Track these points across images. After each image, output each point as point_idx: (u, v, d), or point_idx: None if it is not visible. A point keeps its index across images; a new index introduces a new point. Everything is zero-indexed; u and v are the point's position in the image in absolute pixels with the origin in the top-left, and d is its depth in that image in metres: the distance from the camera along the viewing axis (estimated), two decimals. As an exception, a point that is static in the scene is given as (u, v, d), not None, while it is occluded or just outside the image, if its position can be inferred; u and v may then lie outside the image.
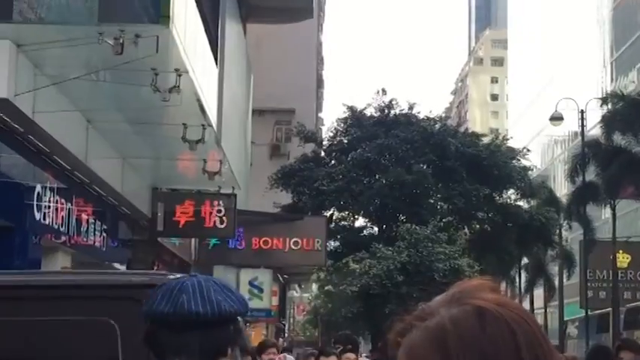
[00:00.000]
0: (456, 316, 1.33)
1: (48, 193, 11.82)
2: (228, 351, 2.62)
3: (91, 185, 13.74)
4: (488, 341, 1.30)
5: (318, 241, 27.76)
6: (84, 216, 13.55)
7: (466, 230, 41.53)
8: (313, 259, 29.13)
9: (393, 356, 1.39)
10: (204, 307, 2.51)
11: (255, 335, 34.04)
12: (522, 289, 52.47)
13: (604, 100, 39.22)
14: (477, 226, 41.09)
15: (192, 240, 22.87)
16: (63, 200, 12.40)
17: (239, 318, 2.67)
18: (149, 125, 12.82)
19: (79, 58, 10.06)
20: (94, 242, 14.32)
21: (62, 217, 12.42)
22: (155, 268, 19.19)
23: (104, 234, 14.77)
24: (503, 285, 49.43)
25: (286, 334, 52.36)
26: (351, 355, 9.08)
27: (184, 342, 2.52)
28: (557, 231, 43.30)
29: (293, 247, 27.19)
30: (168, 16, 9.23)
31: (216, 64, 14.60)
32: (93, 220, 14.05)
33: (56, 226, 12.20)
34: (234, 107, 18.56)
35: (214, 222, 17.61)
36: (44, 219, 11.66)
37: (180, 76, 10.05)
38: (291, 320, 66.96)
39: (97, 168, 13.27)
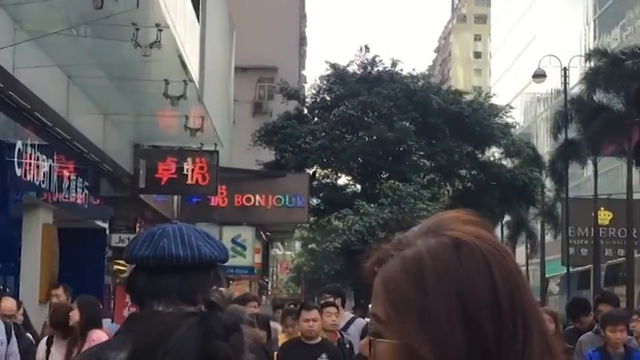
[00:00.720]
0: (433, 247, 1.32)
1: (29, 149, 11.76)
2: (207, 296, 2.61)
3: (72, 142, 13.67)
4: (464, 273, 1.29)
5: (300, 199, 27.78)
6: (65, 173, 13.50)
7: (449, 188, 41.67)
8: (296, 216, 29.15)
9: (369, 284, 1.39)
10: (184, 251, 2.51)
11: (239, 292, 34.18)
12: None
13: (587, 57, 39.18)
14: (460, 183, 41.21)
15: (175, 197, 22.85)
16: (44, 157, 12.34)
17: (219, 265, 2.67)
18: (130, 81, 12.75)
19: (58, 12, 9.97)
20: (76, 199, 14.28)
21: (43, 173, 12.37)
22: (137, 225, 19.19)
23: (86, 191, 14.73)
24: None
25: (269, 292, 52.54)
26: (332, 309, 9.11)
27: (163, 286, 2.51)
28: (540, 189, 43.46)
29: (276, 204, 27.21)
30: (149, -29, 9.16)
31: (198, 20, 14.50)
32: (74, 177, 14.00)
33: (37, 183, 12.16)
34: (216, 64, 18.47)
35: (196, 179, 17.58)
36: (25, 176, 11.61)
37: (161, 31, 9.98)
38: (274, 278, 67.18)
39: (78, 124, 13.20)
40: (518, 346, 1.30)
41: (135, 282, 2.61)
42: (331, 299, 9.80)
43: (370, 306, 1.39)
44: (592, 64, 37.81)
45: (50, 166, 12.65)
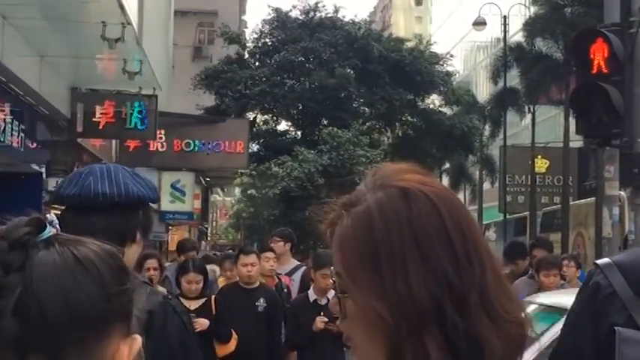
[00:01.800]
0: (382, 199, 1.36)
1: (-38, 91, 11.55)
2: (137, 236, 2.56)
3: (7, 84, 13.43)
4: (414, 217, 1.33)
5: (240, 144, 27.69)
6: (0, 115, 13.29)
7: (389, 134, 41.84)
8: (236, 162, 29.07)
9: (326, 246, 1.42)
10: (110, 188, 2.46)
11: (178, 238, 34.11)
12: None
13: (532, 2, 39.33)
14: (399, 130, 41.39)
15: (113, 141, 22.64)
16: (-22, 99, 12.13)
17: (149, 205, 2.63)
18: (67, 22, 12.52)
19: (-8, -50, 9.74)
20: (12, 143, 14.07)
21: (-23, 116, 12.17)
22: (75, 169, 18.99)
23: (22, 134, 14.51)
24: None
25: (209, 238, 52.53)
26: (270, 254, 9.14)
27: (89, 224, 2.45)
28: (479, 137, 43.84)
29: (215, 149, 27.10)
30: None
31: (137, -39, 14.28)
32: (10, 120, 13.77)
33: (-29, 126, 11.97)
34: (156, 7, 18.24)
35: (135, 123, 17.43)
36: (-41, 118, 11.42)
37: (98, -29, 9.81)
38: (214, 224, 67.15)
39: (13, 66, 12.96)
40: (476, 278, 1.33)
41: (62, 223, 2.57)
42: (281, 243, 9.84)
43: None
44: (532, 11, 38.01)
45: (-15, 108, 12.45)
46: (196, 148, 26.75)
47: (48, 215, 2.72)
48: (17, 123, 14.13)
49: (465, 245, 1.34)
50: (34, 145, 15.66)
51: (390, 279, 1.31)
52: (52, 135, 16.99)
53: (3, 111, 13.40)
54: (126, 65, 14.65)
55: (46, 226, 1.30)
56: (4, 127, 13.51)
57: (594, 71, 10.40)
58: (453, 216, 1.35)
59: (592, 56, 10.38)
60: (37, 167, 16.07)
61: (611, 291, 1.77)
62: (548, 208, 37.20)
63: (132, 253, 2.56)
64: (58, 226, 2.56)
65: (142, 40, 14.29)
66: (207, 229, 50.33)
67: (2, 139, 13.41)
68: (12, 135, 13.97)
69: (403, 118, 40.31)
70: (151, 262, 9.36)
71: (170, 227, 33.25)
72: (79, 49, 14.43)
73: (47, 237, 1.29)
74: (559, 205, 35.39)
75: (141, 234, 2.59)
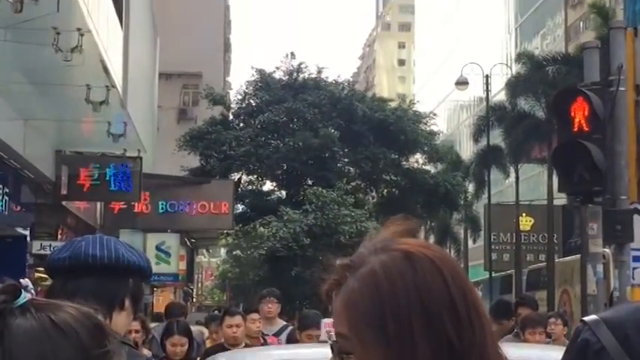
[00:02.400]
0: (386, 261, 1.40)
1: (-53, 155, 11.55)
2: (125, 303, 2.56)
3: (-9, 148, 13.46)
4: (420, 280, 1.37)
5: (225, 205, 27.69)
6: (-16, 179, 13.29)
7: (374, 194, 41.90)
8: (221, 223, 29.04)
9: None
10: (101, 251, 2.46)
11: (164, 300, 33.91)
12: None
13: (518, 58, 39.67)
14: (384, 189, 41.46)
15: (98, 204, 22.60)
16: (-38, 163, 12.13)
17: (141, 277, 2.61)
18: (52, 86, 12.57)
19: (-24, 16, 9.81)
20: (-4, 206, 14.05)
21: (-38, 180, 12.16)
22: (59, 232, 18.95)
23: (6, 197, 14.49)
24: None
25: (194, 299, 52.26)
26: (255, 316, 9.10)
27: (78, 287, 2.45)
28: (463, 195, 43.96)
29: (200, 210, 27.08)
30: (70, -25, 9.06)
31: (121, 25, 14.39)
32: (-6, 184, 13.78)
33: (-44, 190, 11.95)
34: (140, 70, 18.34)
35: (120, 185, 17.43)
36: (-57, 182, 11.40)
37: (82, 35, 9.88)
38: (199, 285, 66.81)
39: (-3, 130, 13.00)
40: (477, 338, 1.38)
41: (52, 287, 2.57)
42: (277, 304, 9.80)
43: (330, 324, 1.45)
44: (514, 70, 38.38)
45: (-31, 172, 12.44)
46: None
47: (22, 280, 2.72)
48: (1, 186, 14.12)
49: (466, 307, 1.38)
50: (19, 208, 15.63)
51: (396, 340, 1.35)
52: (36, 198, 16.96)
53: (-13, 175, 13.39)
54: (110, 128, 14.68)
55: (21, 292, 1.31)
56: (-11, 191, 13.50)
57: (575, 129, 10.49)
58: (455, 279, 1.40)
59: (573, 115, 10.48)
60: (21, 230, 16.03)
61: (600, 347, 1.80)
62: (534, 265, 37.21)
63: (121, 320, 2.55)
64: (33, 291, 2.57)
65: (127, 102, 14.35)
66: (192, 290, 50.08)
67: (-14, 203, 13.38)
68: (-4, 198, 13.95)
69: (387, 178, 40.43)
70: (134, 325, 9.28)
71: (155, 289, 33.08)
72: (63, 112, 14.47)
73: (23, 303, 1.29)
74: (544, 263, 35.41)
75: (130, 302, 2.57)
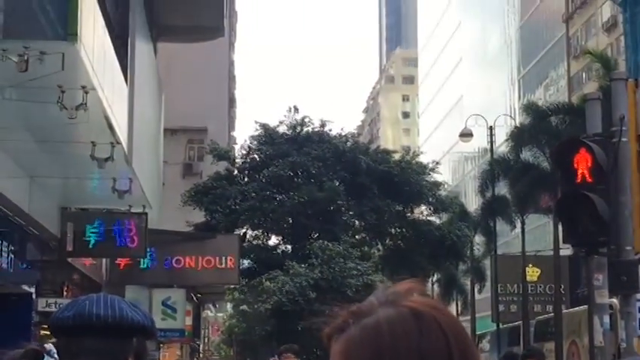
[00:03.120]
0: (393, 316, 1.38)
1: (-48, 213, 11.58)
2: None
3: (-4, 205, 13.50)
4: (424, 341, 1.36)
5: (231, 260, 27.64)
6: (-10, 237, 13.30)
7: (379, 246, 41.81)
8: (227, 277, 28.97)
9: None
10: (105, 310, 2.47)
11: (170, 356, 33.75)
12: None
13: (525, 109, 39.78)
14: (390, 242, 41.37)
15: (103, 260, 22.59)
16: (-32, 221, 12.15)
17: (145, 337, 2.61)
18: (57, 143, 12.64)
19: (-18, 75, 9.89)
20: (1, 264, 14.05)
21: (-33, 238, 12.17)
22: (65, 289, 18.91)
23: (11, 255, 14.50)
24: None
25: (201, 355, 51.97)
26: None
27: (81, 346, 2.46)
28: (469, 246, 43.84)
29: (206, 265, 27.03)
30: (76, 34, 9.15)
31: (126, 82, 14.50)
32: None
33: (-39, 248, 11.96)
34: (145, 126, 18.43)
35: (125, 241, 17.43)
36: (-51, 240, 11.42)
37: (87, 93, 9.95)
38: (206, 340, 66.46)
39: (2, 187, 13.04)
40: None
41: (56, 347, 2.58)
42: (293, 358, 9.78)
43: None
44: (518, 121, 38.49)
45: (-26, 230, 12.47)
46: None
47: (46, 345, 2.73)
48: (6, 244, 14.13)
49: None
50: (24, 265, 15.63)
51: None
52: (41, 255, 16.97)
53: (-8, 232, 13.41)
54: (115, 184, 14.72)
55: (43, 357, 1.32)
56: (-6, 249, 13.51)
57: (579, 180, 10.51)
58: (459, 344, 1.38)
59: (576, 166, 10.51)
60: (27, 288, 16.01)
61: None
62: (542, 317, 37.03)
63: None
64: (56, 356, 2.58)
65: (132, 158, 14.42)
66: (199, 345, 49.80)
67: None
68: (1, 256, 13.96)
69: (393, 230, 40.37)
70: None
71: (162, 345, 32.92)
72: (68, 169, 14.53)
73: None
74: (552, 314, 35.22)
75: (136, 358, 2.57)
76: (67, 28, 9.23)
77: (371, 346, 1.36)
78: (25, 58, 8.65)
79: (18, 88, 10.00)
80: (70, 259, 18.28)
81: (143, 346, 2.61)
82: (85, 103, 9.96)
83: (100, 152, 12.29)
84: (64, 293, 18.56)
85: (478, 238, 45.97)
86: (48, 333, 15.09)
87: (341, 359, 1.40)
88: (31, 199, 14.95)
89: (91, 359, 2.47)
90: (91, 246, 17.35)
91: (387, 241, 41.45)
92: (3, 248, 13.99)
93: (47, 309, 16.51)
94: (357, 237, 37.83)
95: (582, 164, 10.44)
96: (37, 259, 16.73)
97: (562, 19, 60.58)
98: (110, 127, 11.87)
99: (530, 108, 38.18)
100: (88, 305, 2.49)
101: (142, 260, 25.80)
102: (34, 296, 16.37)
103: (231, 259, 27.59)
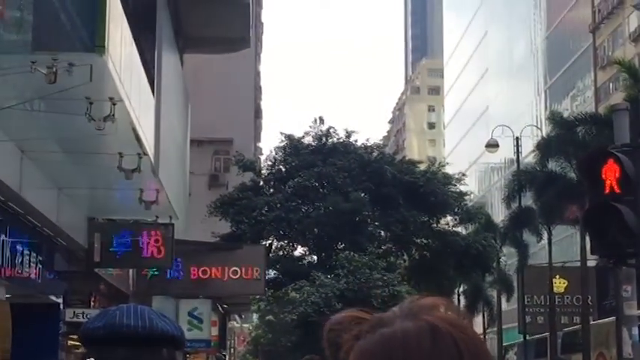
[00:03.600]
0: (410, 329, 1.37)
1: (-19, 224, 11.66)
2: None
3: (25, 216, 13.58)
4: (435, 358, 1.35)
5: (257, 270, 27.68)
6: (18, 247, 13.37)
7: (405, 257, 41.71)
8: (253, 288, 29.01)
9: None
10: (135, 321, 2.48)
11: (196, 366, 33.78)
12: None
13: (549, 119, 39.66)
14: (416, 252, 41.27)
15: (130, 270, 22.68)
16: (-3, 232, 12.23)
17: (175, 347, 2.62)
18: (84, 155, 12.72)
19: (13, 88, 9.98)
20: (30, 274, 14.13)
21: (-4, 248, 12.25)
22: (92, 300, 19.00)
23: (40, 265, 14.58)
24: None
25: (226, 365, 51.96)
26: None
27: (112, 356, 2.48)
28: (495, 257, 43.67)
29: (232, 276, 27.08)
30: (104, 46, 9.22)
31: (153, 93, 14.57)
32: (28, 252, 13.87)
33: (-10, 258, 12.03)
34: (172, 137, 18.52)
35: (152, 252, 17.48)
36: (-22, 251, 11.50)
37: (114, 104, 10.01)
38: (232, 351, 66.51)
39: (31, 199, 13.12)
40: None
41: (87, 357, 2.59)
42: None
43: None
44: (545, 132, 38.34)
45: (3, 241, 12.54)
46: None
47: None
48: (35, 254, 14.22)
49: None
50: (52, 275, 15.72)
51: None
52: (69, 265, 17.06)
53: (21, 243, 13.50)
54: (142, 195, 14.79)
55: None
56: (22, 259, 13.59)
57: (607, 191, 10.46)
58: None
59: (604, 177, 10.46)
60: (54, 298, 16.10)
61: None
62: (569, 328, 36.83)
63: None
64: None
65: (159, 169, 14.48)
66: (225, 356, 49.84)
67: (20, 271, 13.47)
68: (30, 266, 14.05)
69: (418, 240, 40.29)
70: None
71: (188, 355, 32.98)
72: (95, 180, 14.61)
73: None
74: (579, 326, 35.01)
75: None
76: (95, 40, 9.30)
77: (380, 354, 1.36)
78: (54, 69, 8.71)
79: (46, 100, 10.07)
80: (97, 270, 18.36)
81: (173, 356, 2.62)
82: (113, 115, 10.01)
83: (127, 163, 12.35)
84: (92, 304, 18.64)
85: (505, 250, 45.77)
86: (76, 343, 15.21)
87: None
88: (59, 210, 15.03)
89: None
90: (118, 256, 17.41)
91: (412, 252, 41.36)
92: (32, 259, 14.08)
93: (75, 319, 16.60)
94: (382, 248, 37.77)
95: (610, 175, 10.39)
96: (64, 269, 16.81)
97: (589, 29, 60.35)
98: (137, 138, 11.93)
99: (554, 118, 38.04)
100: (119, 316, 2.50)
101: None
102: (61, 307, 16.46)
103: (257, 270, 27.63)
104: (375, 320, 1.43)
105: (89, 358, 2.59)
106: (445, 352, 1.35)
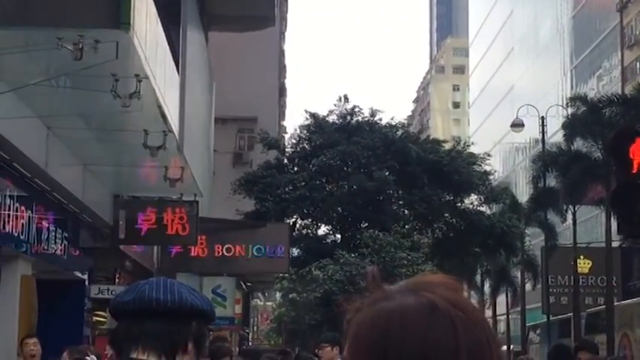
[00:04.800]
0: (408, 305, 1.36)
1: (8, 200, 11.73)
2: (188, 346, 2.56)
3: (51, 193, 13.65)
4: (430, 335, 1.33)
5: (281, 248, 27.74)
6: (44, 224, 13.46)
7: (429, 234, 41.59)
8: (276, 266, 29.08)
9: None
10: (164, 295, 2.48)
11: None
12: (486, 295, 52.70)
13: (568, 103, 39.42)
14: (439, 232, 41.15)
15: (155, 247, 22.78)
16: (23, 208, 12.30)
17: (205, 321, 2.61)
18: (110, 132, 12.76)
19: (38, 64, 10.00)
20: (55, 250, 14.22)
21: (22, 225, 12.33)
22: (117, 276, 19.11)
23: (65, 242, 14.67)
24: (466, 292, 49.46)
25: (250, 343, 52.25)
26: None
27: (142, 330, 2.47)
28: (519, 236, 43.51)
29: (256, 254, 27.15)
30: (129, 23, 9.22)
31: (178, 71, 14.58)
32: (54, 228, 13.95)
33: (16, 234, 12.11)
34: (196, 115, 18.53)
35: (176, 229, 17.53)
36: (4, 227, 11.57)
37: (140, 82, 10.02)
38: (255, 329, 66.80)
39: (57, 175, 13.18)
40: None
41: (116, 330, 2.60)
42: (329, 348, 9.79)
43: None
44: (570, 112, 38.07)
45: (29, 217, 12.61)
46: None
47: (87, 358, 2.74)
48: (61, 231, 14.30)
49: None
50: (77, 252, 15.81)
51: None
52: (94, 242, 17.16)
53: (47, 220, 13.57)
54: (167, 172, 14.82)
55: None
56: (48, 236, 13.67)
57: (635, 171, 10.35)
58: (471, 344, 1.34)
59: (632, 156, 10.35)
60: (80, 274, 16.20)
61: None
62: (593, 309, 36.68)
63: None
64: None
65: (184, 147, 14.51)
66: (248, 333, 50.08)
67: (46, 247, 13.56)
68: (55, 243, 14.13)
69: (442, 219, 40.18)
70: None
71: (211, 332, 33.13)
72: (121, 157, 14.66)
73: None
74: (603, 306, 34.88)
75: (194, 345, 2.57)
76: (121, 17, 9.30)
77: (378, 330, 1.35)
78: (80, 46, 8.72)
79: (73, 77, 10.10)
80: (121, 246, 18.45)
81: (202, 330, 2.61)
82: (139, 92, 10.02)
83: (153, 140, 12.37)
84: (117, 280, 18.75)
85: (530, 230, 45.59)
86: (101, 319, 15.29)
87: (350, 339, 1.39)
88: (85, 187, 15.11)
89: (151, 343, 2.49)
90: (142, 233, 17.48)
91: (436, 231, 41.26)
92: (57, 235, 14.17)
93: (100, 295, 16.70)
94: (406, 227, 37.71)
95: (638, 154, 10.29)
96: (90, 246, 16.92)
97: (616, 8, 59.82)
98: (163, 115, 11.95)
99: (579, 99, 37.74)
100: (148, 290, 2.50)
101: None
102: (87, 283, 16.57)
103: (281, 248, 27.69)
104: (378, 294, 1.42)
105: (118, 331, 2.59)
106: (440, 330, 1.33)
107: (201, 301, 2.56)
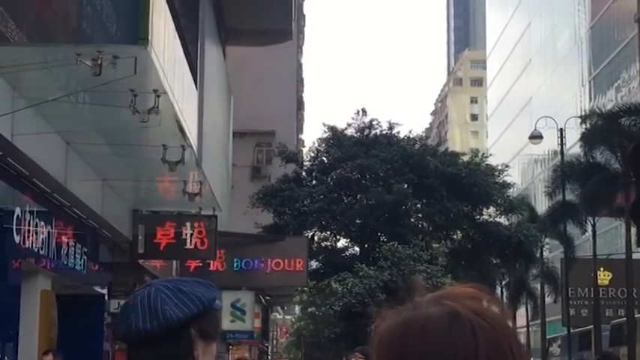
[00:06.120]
0: (431, 314, 1.37)
1: (27, 216, 11.77)
2: (194, 353, 2.53)
3: (70, 208, 13.69)
4: (450, 343, 1.33)
5: (299, 262, 27.74)
6: (64, 239, 13.50)
7: (447, 243, 41.42)
8: (295, 279, 29.08)
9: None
10: (150, 322, 2.44)
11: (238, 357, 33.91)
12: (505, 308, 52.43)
13: (583, 119, 39.36)
14: (457, 243, 40.99)
15: (174, 262, 22.81)
16: (42, 223, 12.35)
17: (205, 317, 2.56)
18: (128, 147, 12.79)
19: (57, 80, 10.05)
20: (75, 265, 14.26)
21: (42, 240, 12.37)
22: (136, 290, 19.11)
23: (85, 257, 14.71)
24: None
25: (269, 357, 52.24)
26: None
27: (141, 356, 2.47)
28: (538, 247, 43.34)
29: (275, 268, 27.16)
30: (147, 39, 9.26)
31: (196, 86, 14.63)
32: (73, 243, 13.99)
33: (36, 250, 12.15)
34: (215, 129, 18.59)
35: (195, 244, 17.57)
36: (24, 243, 11.60)
37: (158, 97, 10.04)
38: (274, 342, 66.76)
39: (76, 190, 13.23)
40: None
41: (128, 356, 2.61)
42: (360, 358, 9.79)
43: None
44: (587, 125, 37.95)
45: (49, 232, 12.65)
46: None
47: None
48: (80, 246, 14.34)
49: None
50: (97, 267, 15.85)
51: None
52: (113, 257, 17.19)
53: (66, 235, 13.61)
54: (186, 187, 14.85)
55: None
56: (68, 251, 13.72)
57: (653, 183, 10.29)
58: (492, 353, 1.34)
59: (650, 167, 10.29)
60: (99, 289, 16.23)
61: None
62: (617, 320, 36.50)
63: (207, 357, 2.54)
64: None
65: (202, 161, 14.55)
66: (267, 347, 50.05)
67: (66, 262, 13.60)
68: (75, 258, 14.17)
69: (461, 231, 40.07)
70: None
71: (230, 347, 33.15)
72: (139, 172, 14.70)
73: None
74: (625, 318, 34.72)
75: (205, 340, 2.54)
76: (139, 33, 9.35)
77: (401, 339, 1.36)
78: (99, 62, 8.76)
79: (91, 92, 10.14)
80: (141, 261, 18.48)
81: (204, 326, 2.55)
82: (157, 107, 10.05)
83: (171, 155, 12.40)
84: (136, 295, 18.75)
85: (549, 241, 45.41)
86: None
87: (375, 346, 1.41)
88: (104, 202, 15.15)
89: None
90: (161, 248, 17.52)
91: (454, 243, 41.14)
92: (77, 251, 14.21)
93: (119, 310, 16.68)
94: (425, 240, 37.64)
95: (657, 166, 10.22)
96: (109, 261, 16.95)
97: (634, 19, 59.65)
98: (181, 130, 11.98)
99: (595, 114, 37.61)
100: (134, 319, 2.46)
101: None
102: (106, 298, 16.59)
103: (299, 261, 27.70)
104: (407, 305, 1.43)
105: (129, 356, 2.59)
106: (461, 339, 1.33)
107: (190, 306, 2.51)
